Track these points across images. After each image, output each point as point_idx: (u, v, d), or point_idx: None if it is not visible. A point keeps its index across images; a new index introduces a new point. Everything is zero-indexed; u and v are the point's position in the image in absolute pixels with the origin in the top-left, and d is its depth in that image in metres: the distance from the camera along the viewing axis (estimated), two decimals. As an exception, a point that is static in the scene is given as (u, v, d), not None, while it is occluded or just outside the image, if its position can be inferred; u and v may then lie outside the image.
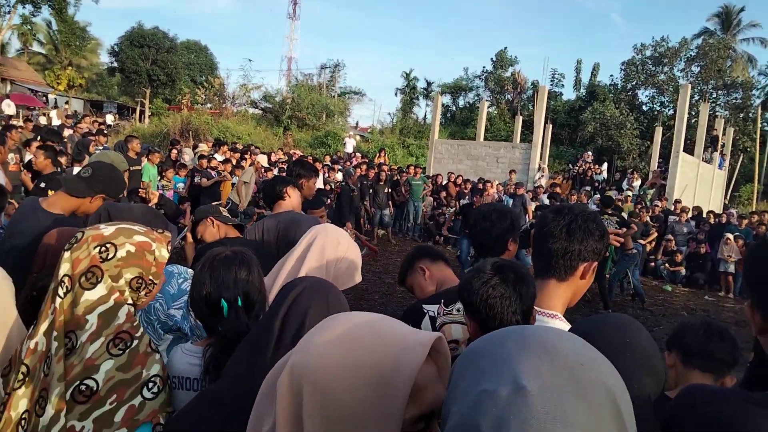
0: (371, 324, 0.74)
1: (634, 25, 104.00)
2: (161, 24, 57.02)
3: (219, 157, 12.63)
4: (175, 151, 12.90)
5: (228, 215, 3.24)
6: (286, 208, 3.20)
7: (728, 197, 24.56)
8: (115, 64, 35.61)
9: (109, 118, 26.70)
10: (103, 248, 1.38)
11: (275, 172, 13.69)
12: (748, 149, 26.97)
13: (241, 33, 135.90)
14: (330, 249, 2.00)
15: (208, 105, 26.64)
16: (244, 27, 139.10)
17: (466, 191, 13.45)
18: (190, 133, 19.30)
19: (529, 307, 1.46)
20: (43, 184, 5.30)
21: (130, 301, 1.40)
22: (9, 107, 23.13)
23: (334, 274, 2.02)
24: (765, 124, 27.35)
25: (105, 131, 14.97)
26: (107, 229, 1.43)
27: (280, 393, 0.70)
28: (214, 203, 3.70)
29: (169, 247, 1.51)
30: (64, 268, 1.37)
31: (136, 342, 1.36)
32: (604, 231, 1.58)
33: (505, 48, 36.26)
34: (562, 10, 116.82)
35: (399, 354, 0.69)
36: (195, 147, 14.57)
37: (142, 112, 29.87)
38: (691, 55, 30.44)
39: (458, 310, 1.95)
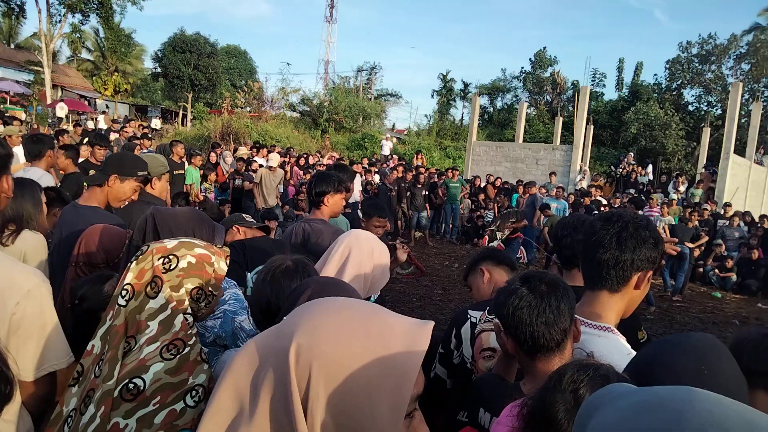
0: (371, 312, 0.78)
1: (678, 23, 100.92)
2: (203, 30, 58.50)
3: (260, 159, 12.78)
4: (214, 155, 13.12)
5: (252, 220, 3.42)
6: (322, 215, 3.20)
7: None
8: (159, 70, 36.70)
9: (156, 123, 27.53)
10: (166, 260, 1.45)
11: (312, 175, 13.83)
12: (803, 150, 25.78)
13: (280, 37, 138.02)
14: (366, 261, 2.01)
15: (248, 108, 27.11)
16: (282, 31, 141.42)
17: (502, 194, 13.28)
18: (231, 136, 19.67)
19: (560, 320, 1.36)
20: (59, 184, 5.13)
21: (189, 310, 1.44)
22: (62, 110, 24.49)
23: (371, 282, 2.06)
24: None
25: (149, 135, 15.39)
26: (170, 243, 1.51)
27: (288, 373, 0.71)
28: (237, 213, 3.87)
29: (228, 261, 1.56)
30: (129, 277, 1.44)
31: (188, 350, 1.39)
32: (658, 238, 1.50)
33: (544, 48, 35.77)
34: (603, 7, 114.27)
35: (408, 341, 0.74)
36: (236, 150, 14.81)
37: (184, 116, 30.64)
38: (740, 52, 29.34)
39: None
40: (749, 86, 28.34)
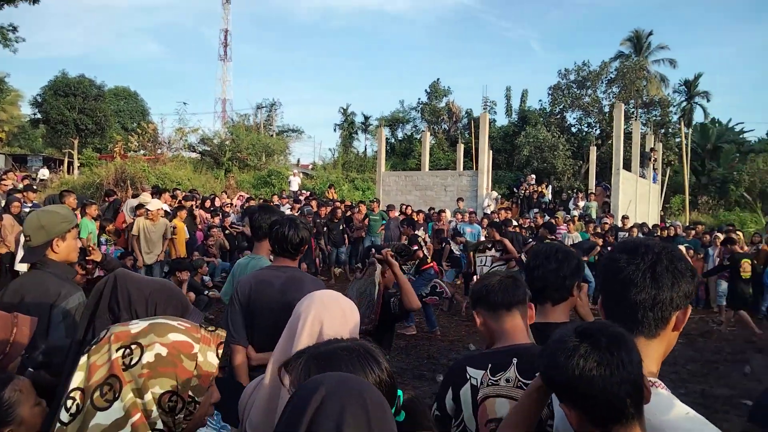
0: None
1: (553, 53, 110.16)
2: (87, 71, 55.21)
3: (162, 205, 11.92)
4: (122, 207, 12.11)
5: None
6: (293, 263, 2.95)
7: (661, 209, 25.82)
8: (39, 115, 33.92)
9: (43, 173, 25.43)
10: (128, 350, 1.05)
11: (220, 218, 13.20)
12: (672, 163, 28.64)
13: (172, 77, 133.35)
14: (341, 329, 1.57)
15: (142, 152, 25.70)
16: (175, 71, 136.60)
17: (420, 222, 13.41)
18: (127, 182, 18.45)
19: (638, 376, 1.13)
20: None
21: (159, 425, 1.05)
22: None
23: None
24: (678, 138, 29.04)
25: (34, 186, 14.03)
26: (137, 325, 1.10)
27: None
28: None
29: (220, 351, 1.15)
30: (77, 378, 1.04)
31: None
32: (694, 269, 1.34)
33: (438, 79, 37.28)
34: (486, 41, 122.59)
35: None
36: (135, 196, 13.81)
37: (70, 164, 28.41)
38: (611, 77, 32.24)
39: (507, 381, 1.70)
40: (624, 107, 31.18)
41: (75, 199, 9.89)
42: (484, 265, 9.05)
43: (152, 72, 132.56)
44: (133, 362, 1.04)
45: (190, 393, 1.07)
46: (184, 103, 35.35)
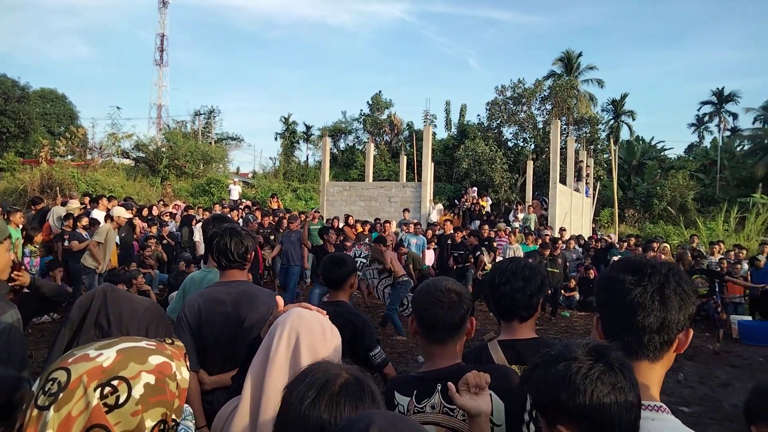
0: None
1: (490, 70, 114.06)
2: (9, 71, 51.69)
3: (99, 213, 11.28)
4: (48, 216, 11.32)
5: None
6: (242, 275, 2.76)
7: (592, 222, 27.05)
8: (-47, 116, 31.54)
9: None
10: (109, 388, 0.91)
11: (158, 227, 12.66)
12: (602, 177, 30.14)
13: (104, 80, 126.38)
14: (320, 345, 1.51)
15: (70, 157, 24.37)
16: (107, 74, 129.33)
17: (365, 233, 13.41)
18: (58, 188, 17.41)
19: (639, 398, 1.09)
20: None
21: None
22: None
23: None
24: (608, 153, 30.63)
25: (-51, 192, 13.00)
26: (106, 356, 0.94)
27: None
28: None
29: (187, 363, 1.07)
30: None
31: None
32: (697, 290, 1.39)
33: (380, 92, 37.66)
34: (426, 56, 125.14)
35: None
36: (64, 204, 13.05)
37: (-12, 168, 26.55)
38: (544, 94, 33.63)
39: (432, 407, 1.69)
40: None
41: (-1, 207, 9.23)
42: (373, 278, 9.36)
43: (82, 75, 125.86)
44: (121, 401, 0.91)
45: (173, 416, 0.99)
46: (118, 108, 33.40)
